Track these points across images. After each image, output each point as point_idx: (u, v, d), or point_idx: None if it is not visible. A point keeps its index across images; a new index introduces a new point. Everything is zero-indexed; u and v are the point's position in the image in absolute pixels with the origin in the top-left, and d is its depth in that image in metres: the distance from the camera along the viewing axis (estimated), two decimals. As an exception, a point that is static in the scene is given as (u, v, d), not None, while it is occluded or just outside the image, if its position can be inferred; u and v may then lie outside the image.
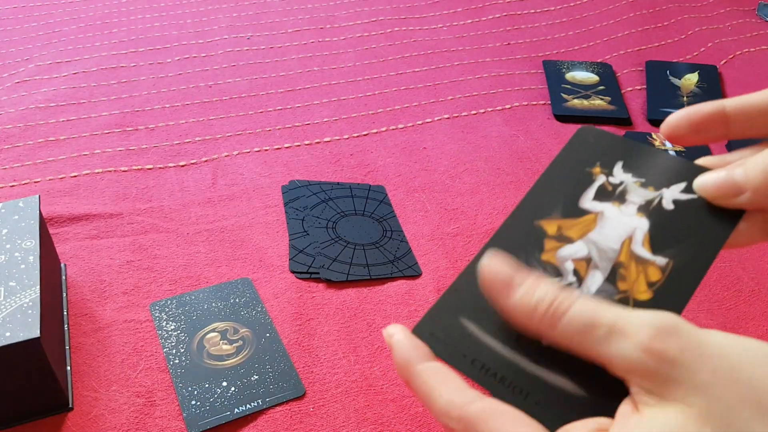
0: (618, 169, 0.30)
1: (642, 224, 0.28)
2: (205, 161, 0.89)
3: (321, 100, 1.02)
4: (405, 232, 0.78)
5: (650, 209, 0.28)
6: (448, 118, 0.99)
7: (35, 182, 0.83)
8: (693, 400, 0.21)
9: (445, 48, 1.17)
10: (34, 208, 0.64)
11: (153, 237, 0.76)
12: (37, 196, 0.65)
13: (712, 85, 1.06)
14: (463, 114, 1.00)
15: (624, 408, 0.23)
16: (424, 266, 0.74)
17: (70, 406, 0.59)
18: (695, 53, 1.17)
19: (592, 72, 1.09)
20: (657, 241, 0.27)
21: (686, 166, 0.29)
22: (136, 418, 0.58)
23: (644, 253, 0.27)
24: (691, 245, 0.27)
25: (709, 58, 1.15)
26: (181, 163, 0.88)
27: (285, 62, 1.12)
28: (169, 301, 0.68)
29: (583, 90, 1.04)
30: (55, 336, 0.60)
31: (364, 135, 0.95)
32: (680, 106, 1.01)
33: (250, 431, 0.58)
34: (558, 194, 0.30)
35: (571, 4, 1.33)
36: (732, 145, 0.86)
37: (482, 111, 1.00)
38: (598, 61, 1.13)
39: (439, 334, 0.27)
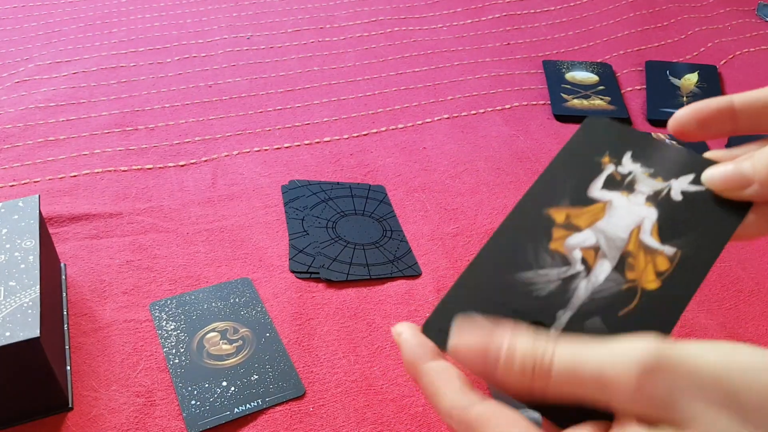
0: (627, 159, 0.30)
1: (650, 214, 0.28)
2: (205, 161, 0.89)
3: (321, 100, 1.02)
4: (405, 231, 0.78)
5: (659, 199, 0.28)
6: (447, 118, 0.99)
7: (35, 182, 0.83)
8: (690, 429, 0.21)
9: (445, 48, 1.17)
10: (33, 208, 0.64)
11: (153, 237, 0.76)
12: (37, 195, 0.65)
13: (712, 85, 1.06)
14: (462, 114, 1.00)
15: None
16: (424, 266, 0.74)
17: (70, 405, 0.59)
18: (695, 53, 1.17)
19: (592, 72, 1.09)
20: (665, 231, 0.27)
21: (694, 159, 0.29)
22: (135, 417, 0.58)
23: (653, 242, 0.27)
24: (699, 236, 0.27)
25: (708, 58, 1.15)
26: (181, 163, 0.88)
27: (285, 62, 1.12)
28: (168, 301, 0.68)
29: (582, 90, 1.04)
30: (55, 336, 0.60)
31: (364, 135, 0.95)
32: (680, 106, 1.01)
33: (250, 431, 0.58)
34: (566, 183, 0.30)
35: (571, 4, 1.33)
36: (731, 142, 0.86)
37: (482, 111, 1.01)
38: (598, 61, 1.13)
39: (448, 329, 0.27)
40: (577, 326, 0.26)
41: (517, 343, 0.24)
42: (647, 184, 0.29)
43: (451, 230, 0.78)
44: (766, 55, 1.17)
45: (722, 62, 1.14)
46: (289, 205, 0.81)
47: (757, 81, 1.09)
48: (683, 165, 0.29)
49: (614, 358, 0.22)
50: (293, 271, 0.72)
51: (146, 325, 0.66)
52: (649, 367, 0.21)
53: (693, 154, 0.29)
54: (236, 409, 0.59)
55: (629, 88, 1.07)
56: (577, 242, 0.28)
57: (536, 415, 0.26)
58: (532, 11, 1.31)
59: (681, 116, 0.28)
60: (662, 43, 1.20)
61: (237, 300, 0.69)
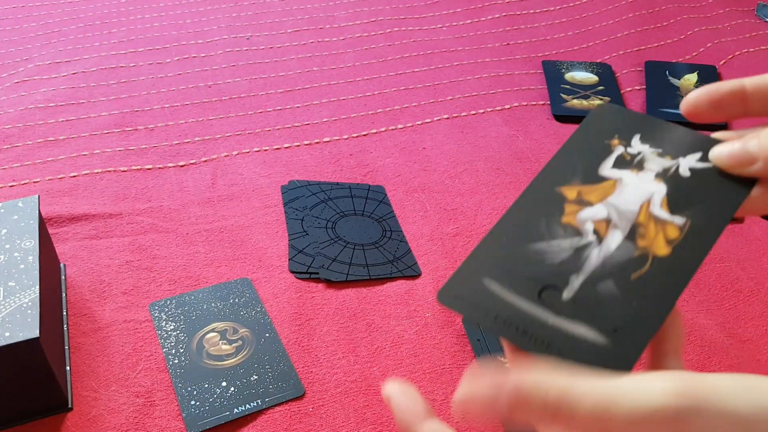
0: (636, 140, 0.31)
1: (660, 189, 0.29)
2: (205, 161, 0.89)
3: (320, 100, 1.02)
4: (404, 232, 0.78)
5: (667, 176, 0.29)
6: (447, 118, 0.99)
7: (35, 182, 0.83)
8: None
9: (444, 48, 1.17)
10: (33, 208, 0.64)
11: (152, 237, 0.76)
12: (37, 196, 0.65)
13: (712, 86, 1.06)
14: (462, 114, 1.00)
15: None
16: (424, 266, 0.74)
17: (70, 406, 0.59)
18: (694, 53, 1.17)
19: (592, 72, 1.09)
20: (674, 203, 0.29)
21: (701, 138, 0.30)
22: (135, 418, 0.58)
23: (663, 213, 0.28)
24: (708, 207, 0.28)
25: (708, 58, 1.15)
26: (181, 163, 0.88)
27: (284, 62, 1.12)
28: (168, 301, 0.68)
29: (582, 90, 1.04)
30: (55, 336, 0.60)
31: (364, 135, 0.95)
32: (679, 106, 1.01)
33: (250, 431, 0.58)
34: (577, 163, 0.31)
35: (571, 4, 1.33)
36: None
37: (482, 111, 1.01)
38: (598, 61, 1.13)
39: (463, 295, 0.28)
40: (590, 290, 0.27)
41: (530, 388, 0.23)
42: (656, 163, 0.30)
43: (450, 230, 0.78)
44: (765, 55, 1.17)
45: (722, 62, 1.14)
46: (289, 205, 0.81)
47: (757, 81, 1.09)
48: (691, 144, 0.30)
49: (648, 405, 0.22)
50: (293, 272, 0.72)
51: (146, 326, 0.66)
52: (685, 412, 0.21)
53: (700, 135, 0.30)
54: (236, 410, 0.59)
55: (629, 89, 1.07)
56: (588, 215, 0.29)
57: None
58: (532, 11, 1.31)
59: (694, 97, 0.29)
60: (662, 43, 1.20)
61: (236, 300, 0.69)
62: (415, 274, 0.73)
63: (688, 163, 0.30)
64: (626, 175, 0.30)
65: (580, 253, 0.28)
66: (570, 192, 0.30)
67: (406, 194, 0.84)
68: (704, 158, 0.29)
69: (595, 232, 0.28)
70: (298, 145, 0.92)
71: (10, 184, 0.83)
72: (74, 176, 0.85)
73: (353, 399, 0.60)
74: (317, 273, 0.72)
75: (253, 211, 0.80)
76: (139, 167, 0.87)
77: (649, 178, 0.30)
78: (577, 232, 0.29)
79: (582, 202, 0.30)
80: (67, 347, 0.63)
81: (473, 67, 1.11)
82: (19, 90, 1.03)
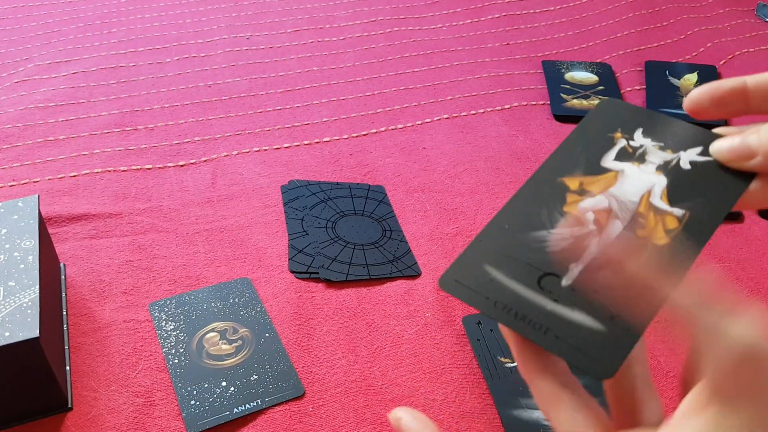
0: (638, 134, 0.32)
1: (660, 181, 0.30)
2: (205, 161, 0.89)
3: (320, 100, 1.02)
4: (404, 232, 0.78)
5: (668, 168, 0.30)
6: (447, 118, 0.99)
7: (34, 182, 0.83)
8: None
9: (444, 48, 1.17)
10: (33, 208, 0.64)
11: (152, 237, 0.76)
12: (37, 195, 0.65)
13: (712, 86, 1.06)
14: (462, 114, 1.00)
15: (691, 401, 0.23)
16: (424, 266, 0.74)
17: (70, 406, 0.59)
18: (694, 53, 1.17)
19: (592, 72, 1.09)
20: (674, 195, 0.29)
21: (703, 133, 0.31)
22: (135, 418, 0.58)
23: (662, 204, 0.29)
24: (707, 199, 0.28)
25: (708, 58, 1.15)
26: (181, 163, 0.88)
27: (284, 62, 1.12)
28: (168, 301, 0.68)
29: (582, 90, 1.04)
30: (55, 336, 0.60)
31: (364, 135, 0.95)
32: (679, 106, 1.01)
33: (250, 431, 0.58)
34: (580, 155, 0.32)
35: (571, 4, 1.33)
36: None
37: (482, 111, 1.01)
38: (598, 61, 1.13)
39: (463, 280, 0.28)
40: (589, 277, 0.27)
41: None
42: (657, 156, 0.31)
43: (450, 230, 0.78)
44: (765, 55, 1.17)
45: (722, 62, 1.14)
46: (289, 205, 0.81)
47: (757, 81, 1.09)
48: (692, 138, 0.31)
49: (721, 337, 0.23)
50: (293, 271, 0.72)
51: (146, 325, 0.66)
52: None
53: (701, 129, 0.31)
54: (236, 409, 0.59)
55: (629, 89, 1.07)
56: (589, 205, 0.29)
57: None
58: (532, 11, 1.31)
59: (697, 95, 0.29)
60: (662, 43, 1.20)
61: (236, 300, 0.69)
62: (415, 274, 0.73)
63: (688, 157, 0.30)
64: (628, 167, 0.31)
65: (580, 242, 0.28)
66: (572, 182, 0.31)
67: (406, 194, 0.84)
68: (705, 152, 0.30)
69: (596, 221, 0.29)
70: (298, 145, 0.92)
71: (10, 184, 0.83)
72: (74, 176, 0.85)
73: (353, 399, 0.60)
74: (317, 273, 0.72)
75: (253, 210, 0.80)
76: (139, 167, 0.87)
77: (651, 170, 0.30)
78: (578, 222, 0.29)
79: (584, 193, 0.30)
80: (67, 347, 0.63)
81: (473, 67, 1.11)
82: (19, 90, 1.03)
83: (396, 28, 1.23)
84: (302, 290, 0.70)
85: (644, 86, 1.07)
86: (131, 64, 1.10)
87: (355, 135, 0.94)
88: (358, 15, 1.27)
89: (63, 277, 0.70)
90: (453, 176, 0.87)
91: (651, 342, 0.64)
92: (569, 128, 0.97)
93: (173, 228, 0.77)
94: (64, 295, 0.68)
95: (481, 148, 0.92)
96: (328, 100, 1.02)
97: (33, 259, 0.58)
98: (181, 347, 0.64)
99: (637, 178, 0.30)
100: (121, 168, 0.87)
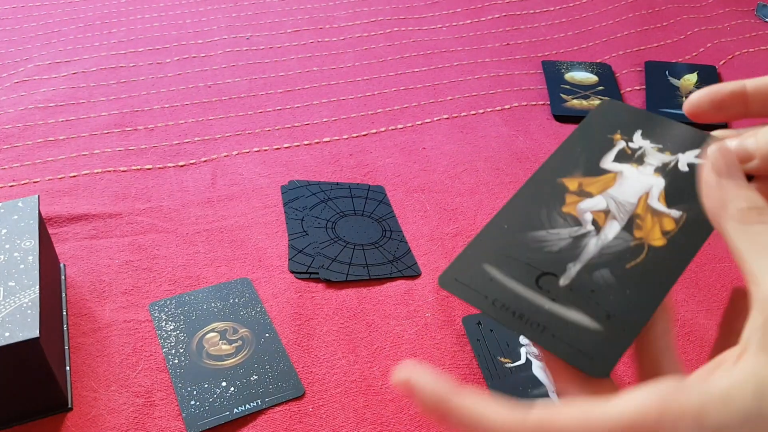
0: (637, 136, 0.32)
1: (658, 182, 0.30)
2: (205, 161, 0.89)
3: (320, 101, 1.02)
4: (404, 232, 0.78)
5: (666, 170, 0.30)
6: (447, 118, 0.99)
7: (34, 182, 0.83)
8: None
9: (444, 48, 1.17)
10: (33, 208, 0.64)
11: (152, 237, 0.76)
12: (37, 196, 0.65)
13: (712, 86, 1.06)
14: (462, 114, 1.00)
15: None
16: (424, 266, 0.74)
17: (70, 406, 0.59)
18: (694, 53, 1.17)
19: (591, 72, 1.09)
20: (672, 197, 0.29)
21: (701, 136, 0.31)
22: (135, 418, 0.58)
23: (660, 206, 0.29)
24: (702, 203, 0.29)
25: (708, 58, 1.15)
26: (181, 164, 0.88)
27: (284, 62, 1.12)
28: (168, 301, 0.68)
29: (582, 90, 1.05)
30: (55, 336, 0.60)
31: (364, 135, 0.95)
32: (679, 106, 1.01)
33: (250, 431, 0.58)
34: (580, 156, 0.32)
35: (571, 5, 1.33)
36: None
37: (481, 111, 1.01)
38: (597, 61, 1.13)
39: (463, 279, 0.29)
40: (586, 277, 0.28)
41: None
42: (656, 158, 0.31)
43: (450, 230, 0.78)
44: (765, 56, 1.17)
45: (721, 62, 1.14)
46: (289, 205, 0.81)
47: (757, 81, 1.09)
48: (690, 141, 0.31)
49: (624, 419, 0.22)
50: (293, 272, 0.72)
51: (146, 326, 0.66)
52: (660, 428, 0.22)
53: (700, 132, 0.31)
54: (236, 410, 0.59)
55: (629, 89, 1.07)
56: (588, 206, 0.30)
57: None
58: (532, 11, 1.31)
59: (697, 98, 0.29)
60: (661, 43, 1.20)
61: (236, 300, 0.69)
62: (415, 274, 0.73)
63: (687, 159, 0.30)
64: (627, 168, 0.31)
65: (578, 242, 0.29)
66: (571, 183, 0.31)
67: (406, 194, 0.84)
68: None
69: (594, 222, 0.29)
70: (298, 145, 0.92)
71: (10, 184, 0.83)
72: (74, 176, 0.85)
73: (353, 399, 0.60)
74: (317, 273, 0.72)
75: (253, 211, 0.80)
76: (139, 167, 0.87)
77: (649, 172, 0.30)
78: (577, 222, 0.29)
79: (582, 193, 0.30)
80: (67, 347, 0.63)
81: (473, 67, 1.11)
82: (19, 90, 1.03)
83: (396, 28, 1.23)
84: (302, 290, 0.70)
85: (644, 86, 1.07)
86: (131, 64, 1.10)
87: (355, 135, 0.94)
88: (358, 15, 1.27)
89: (63, 277, 0.70)
90: (453, 176, 0.87)
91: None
92: (569, 128, 0.97)
93: (173, 228, 0.77)
94: (64, 295, 0.68)
95: (481, 148, 0.92)
96: (328, 100, 1.02)
97: (33, 260, 0.58)
98: (181, 347, 0.64)
99: (635, 180, 0.30)
100: (121, 168, 0.87)
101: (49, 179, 0.84)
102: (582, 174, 0.31)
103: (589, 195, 0.30)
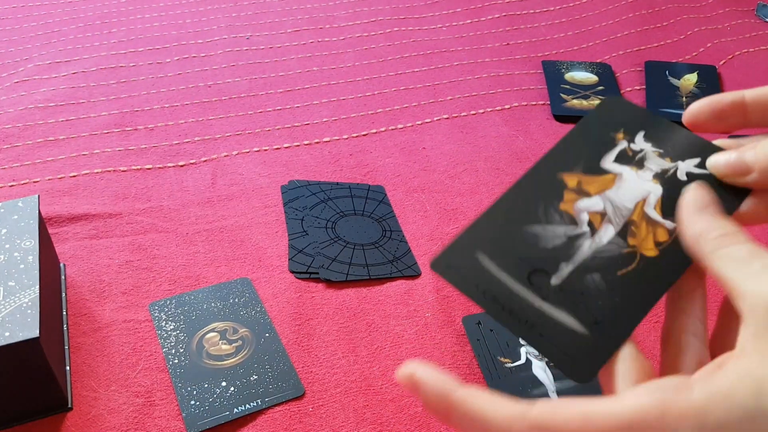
0: (640, 137, 0.32)
1: (656, 190, 0.30)
2: (205, 161, 0.89)
3: (320, 100, 1.02)
4: (404, 232, 0.78)
5: (665, 177, 0.30)
6: (447, 118, 0.99)
7: (34, 182, 0.83)
8: None
9: (444, 48, 1.17)
10: (33, 208, 0.64)
11: (152, 237, 0.76)
12: (37, 195, 0.65)
13: (711, 86, 1.06)
14: (462, 114, 1.00)
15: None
16: (424, 266, 0.74)
17: (69, 406, 0.59)
18: (694, 53, 1.17)
19: (592, 72, 1.09)
20: (668, 206, 0.29)
21: (702, 144, 0.31)
22: (135, 418, 0.58)
23: (655, 215, 0.29)
24: None
25: (708, 58, 1.15)
26: (181, 163, 0.88)
27: (284, 62, 1.12)
28: (168, 301, 0.68)
29: (582, 90, 1.04)
30: (55, 336, 0.60)
31: (364, 135, 0.95)
32: (679, 106, 1.01)
33: (250, 431, 0.58)
34: (581, 152, 0.32)
35: (571, 4, 1.33)
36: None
37: (481, 111, 1.01)
38: (598, 61, 1.13)
39: (455, 265, 0.29)
40: (577, 280, 0.28)
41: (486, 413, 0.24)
42: (656, 163, 0.31)
43: (450, 230, 0.78)
44: (765, 56, 1.17)
45: (721, 62, 1.14)
46: (289, 205, 0.81)
47: (757, 81, 1.09)
48: (691, 148, 0.31)
49: (622, 418, 0.22)
50: (293, 271, 0.72)
51: (145, 326, 0.66)
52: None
53: (701, 140, 0.31)
54: (236, 410, 0.59)
55: (629, 89, 1.07)
56: (585, 206, 0.30)
57: None
58: (532, 11, 1.31)
59: (697, 108, 0.29)
60: (662, 43, 1.20)
61: (236, 300, 0.69)
62: (414, 274, 0.73)
63: (686, 168, 0.30)
64: (626, 171, 0.31)
65: (572, 242, 0.29)
66: (571, 180, 0.31)
67: (406, 194, 0.84)
68: (702, 165, 0.30)
69: (590, 223, 0.29)
70: (298, 145, 0.92)
71: (10, 184, 0.83)
72: (74, 176, 0.85)
73: (353, 399, 0.60)
74: (317, 273, 0.72)
75: (253, 211, 0.80)
76: (139, 167, 0.87)
77: (648, 177, 0.30)
78: (573, 221, 0.29)
79: (581, 192, 0.30)
80: (67, 347, 0.63)
81: (473, 67, 1.11)
82: (19, 90, 1.03)
83: (396, 28, 1.23)
84: (302, 290, 0.70)
85: (644, 86, 1.07)
86: (131, 64, 1.10)
87: (355, 135, 0.94)
88: (358, 15, 1.27)
89: (63, 277, 0.70)
90: (453, 176, 0.87)
91: (653, 341, 0.64)
92: (569, 128, 0.97)
93: (173, 228, 0.77)
94: (64, 295, 0.68)
95: (481, 148, 0.92)
96: (328, 100, 1.02)
97: (33, 259, 0.58)
98: (181, 347, 0.64)
99: (633, 185, 0.30)
100: (121, 168, 0.87)
101: (49, 179, 0.84)
102: (582, 171, 0.31)
103: (587, 194, 0.30)
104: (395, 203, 0.82)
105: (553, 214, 0.30)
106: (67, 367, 0.62)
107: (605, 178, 0.31)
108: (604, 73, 1.09)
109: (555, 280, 0.28)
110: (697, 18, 1.28)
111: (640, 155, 0.31)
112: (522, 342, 0.65)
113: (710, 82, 1.07)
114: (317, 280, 0.71)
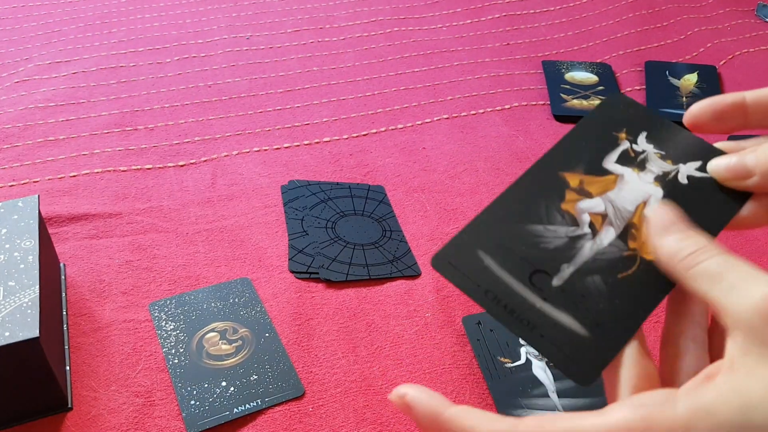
0: (642, 138, 0.32)
1: (657, 193, 0.30)
2: (205, 161, 0.89)
3: (320, 100, 1.02)
4: (404, 232, 0.78)
5: (666, 180, 0.30)
6: (447, 118, 0.99)
7: (34, 182, 0.83)
8: None
9: (444, 48, 1.17)
10: (33, 208, 0.64)
11: (152, 237, 0.76)
12: (37, 195, 0.65)
13: (712, 86, 1.06)
14: (462, 114, 1.00)
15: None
16: (424, 266, 0.74)
17: (69, 406, 0.59)
18: (694, 53, 1.17)
19: (592, 72, 1.09)
20: None
21: (703, 147, 0.31)
22: (135, 418, 0.58)
23: None
24: (699, 219, 0.28)
25: (708, 58, 1.15)
26: (181, 163, 0.88)
27: (284, 62, 1.12)
28: (168, 301, 0.68)
29: (582, 90, 1.04)
30: (55, 336, 0.60)
31: (364, 135, 0.95)
32: (679, 106, 1.01)
33: (250, 431, 0.58)
34: (584, 151, 0.32)
35: (571, 5, 1.33)
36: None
37: (482, 111, 1.01)
38: (598, 61, 1.13)
39: (457, 263, 0.28)
40: (578, 281, 0.28)
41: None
42: (657, 165, 0.31)
43: (450, 230, 0.78)
44: (765, 56, 1.17)
45: (722, 62, 1.14)
46: (289, 205, 0.81)
47: (757, 81, 1.09)
48: (692, 151, 0.31)
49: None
50: (293, 271, 0.72)
51: (145, 325, 0.66)
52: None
53: (703, 142, 0.31)
54: (236, 409, 0.59)
55: (629, 89, 1.07)
56: (587, 207, 0.30)
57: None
58: (532, 11, 1.31)
59: (697, 109, 0.30)
60: (662, 43, 1.20)
61: (236, 300, 0.69)
62: (415, 274, 0.73)
63: (687, 171, 0.30)
64: (628, 172, 0.31)
65: (574, 243, 0.29)
66: (573, 179, 0.31)
67: (406, 194, 0.84)
68: (703, 168, 0.30)
69: (591, 225, 0.29)
70: (298, 145, 0.92)
71: (10, 184, 0.83)
72: (74, 176, 0.85)
73: (353, 399, 0.60)
74: (317, 273, 0.72)
75: (253, 211, 0.80)
76: (139, 167, 0.87)
77: (649, 180, 0.30)
78: (574, 222, 0.29)
79: (582, 192, 0.30)
80: (67, 347, 0.63)
81: (473, 67, 1.11)
82: (19, 90, 1.03)
83: (396, 28, 1.23)
84: (302, 290, 0.70)
85: (644, 86, 1.07)
86: (131, 64, 1.10)
87: (355, 135, 0.94)
88: (358, 15, 1.27)
89: (63, 277, 0.70)
90: (453, 176, 0.87)
91: (651, 341, 0.64)
92: (569, 128, 0.97)
93: (173, 228, 0.77)
94: (64, 295, 0.68)
95: (481, 148, 0.92)
96: (328, 100, 1.02)
97: (33, 259, 0.58)
98: (181, 347, 0.64)
99: (635, 186, 0.30)
100: (121, 168, 0.87)
101: (49, 179, 0.84)
102: (584, 170, 0.31)
103: (589, 195, 0.30)
104: (395, 203, 0.82)
105: (554, 213, 0.30)
106: (67, 367, 0.62)
107: (607, 179, 0.30)
108: (604, 73, 1.09)
109: (556, 282, 0.28)
110: (697, 18, 1.28)
111: (641, 156, 0.31)
112: (522, 342, 0.65)
113: (710, 82, 1.07)
114: (317, 280, 0.71)
